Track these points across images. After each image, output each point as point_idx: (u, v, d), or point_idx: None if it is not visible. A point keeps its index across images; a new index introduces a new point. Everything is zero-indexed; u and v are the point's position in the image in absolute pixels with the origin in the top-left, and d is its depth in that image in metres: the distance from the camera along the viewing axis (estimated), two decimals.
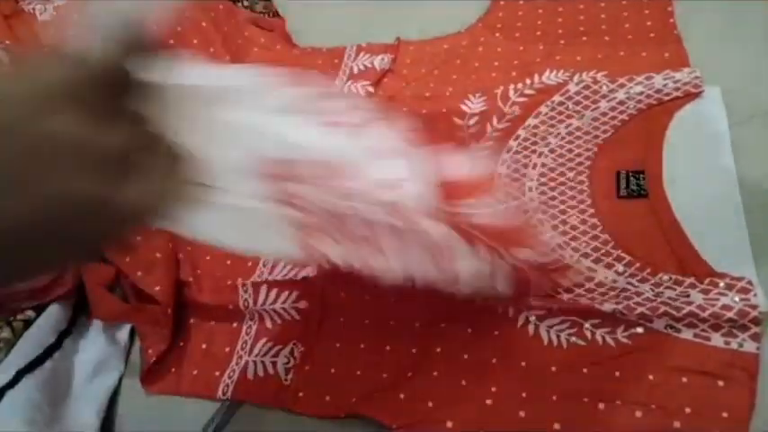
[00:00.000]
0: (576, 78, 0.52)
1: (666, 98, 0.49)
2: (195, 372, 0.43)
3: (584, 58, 0.53)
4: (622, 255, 0.42)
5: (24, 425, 0.41)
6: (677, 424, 0.35)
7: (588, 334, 0.40)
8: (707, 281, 0.39)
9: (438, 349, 0.42)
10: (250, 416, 0.42)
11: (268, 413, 0.41)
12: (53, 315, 0.48)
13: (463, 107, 0.53)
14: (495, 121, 0.52)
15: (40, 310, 0.48)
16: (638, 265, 0.42)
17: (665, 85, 0.50)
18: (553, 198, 0.47)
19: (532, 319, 0.41)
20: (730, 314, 0.37)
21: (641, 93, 0.50)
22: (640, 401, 0.36)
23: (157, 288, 0.43)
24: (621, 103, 0.50)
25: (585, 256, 0.43)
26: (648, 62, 0.51)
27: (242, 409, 0.42)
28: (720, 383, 0.36)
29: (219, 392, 0.41)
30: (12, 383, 0.43)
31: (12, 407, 0.42)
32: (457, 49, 0.57)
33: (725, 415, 0.35)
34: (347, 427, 0.40)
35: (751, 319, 0.37)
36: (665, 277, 0.40)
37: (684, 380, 0.36)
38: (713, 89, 0.49)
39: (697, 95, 0.49)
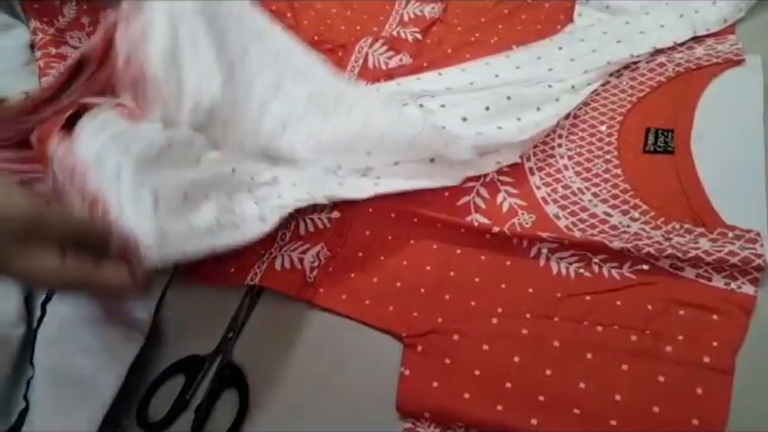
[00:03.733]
0: None
1: (706, 64, 0.50)
2: (233, 269, 0.47)
3: None
4: (639, 203, 0.44)
5: (87, 301, 0.44)
6: (669, 348, 0.37)
7: (596, 268, 0.42)
8: (717, 231, 0.41)
9: (452, 273, 0.45)
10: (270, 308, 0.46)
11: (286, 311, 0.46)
12: None
13: None
14: None
15: None
16: (652, 213, 0.44)
17: (706, 54, 0.51)
18: (581, 146, 0.49)
19: (545, 251, 0.44)
20: (734, 260, 0.38)
21: (681, 58, 0.51)
22: (637, 327, 0.39)
23: None
24: (661, 65, 0.52)
25: (604, 201, 0.45)
26: None
27: (262, 304, 0.47)
28: (715, 317, 0.38)
29: (248, 278, 0.46)
30: None
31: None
32: (506, 2, 0.59)
33: (715, 344, 0.37)
34: (360, 333, 0.44)
35: (754, 267, 0.38)
36: (677, 226, 0.42)
37: (681, 312, 0.39)
38: (755, 58, 0.50)
39: (737, 63, 0.50)
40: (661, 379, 0.37)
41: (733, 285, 0.39)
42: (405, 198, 0.48)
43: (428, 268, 0.45)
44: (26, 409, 0.41)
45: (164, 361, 0.45)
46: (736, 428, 0.34)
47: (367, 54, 0.57)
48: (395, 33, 0.59)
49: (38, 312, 0.45)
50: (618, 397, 0.37)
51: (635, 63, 0.52)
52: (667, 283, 0.40)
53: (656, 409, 0.36)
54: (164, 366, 0.44)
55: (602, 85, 0.52)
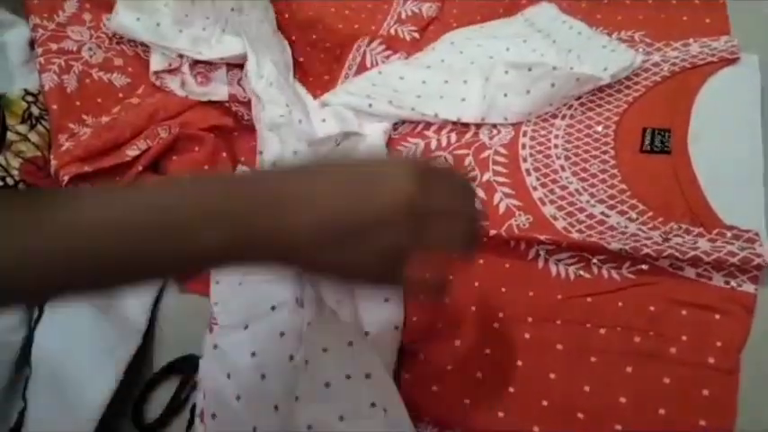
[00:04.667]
0: (614, 36, 0.53)
1: (701, 63, 0.50)
2: None
3: (625, 18, 0.54)
4: (637, 204, 0.44)
5: (85, 302, 0.45)
6: (673, 350, 0.37)
7: (595, 269, 0.42)
8: (715, 231, 0.41)
9: (450, 277, 0.45)
10: None
11: None
12: None
13: None
14: None
15: None
16: (650, 213, 0.43)
17: (700, 52, 0.51)
18: (577, 147, 0.49)
19: (542, 253, 0.43)
20: (734, 260, 0.38)
21: (676, 57, 0.51)
22: (640, 328, 0.38)
23: None
24: (656, 65, 0.52)
25: (601, 201, 0.45)
26: (688, 27, 0.52)
27: None
28: (717, 317, 0.38)
29: None
30: None
31: None
32: (501, 1, 0.59)
33: (719, 344, 0.37)
34: None
35: (753, 266, 0.38)
36: (675, 226, 0.42)
37: (683, 312, 0.39)
38: (751, 57, 0.50)
39: (733, 62, 0.50)
40: (666, 381, 0.37)
41: (733, 283, 0.39)
42: None
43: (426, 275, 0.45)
44: (25, 408, 0.41)
45: (159, 361, 0.45)
46: (742, 428, 0.34)
47: (365, 53, 0.57)
48: (392, 32, 0.59)
49: (35, 312, 0.44)
50: (623, 400, 0.37)
51: None
52: (668, 282, 0.40)
53: (662, 411, 0.36)
54: (159, 367, 0.44)
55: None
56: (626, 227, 0.43)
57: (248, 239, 0.26)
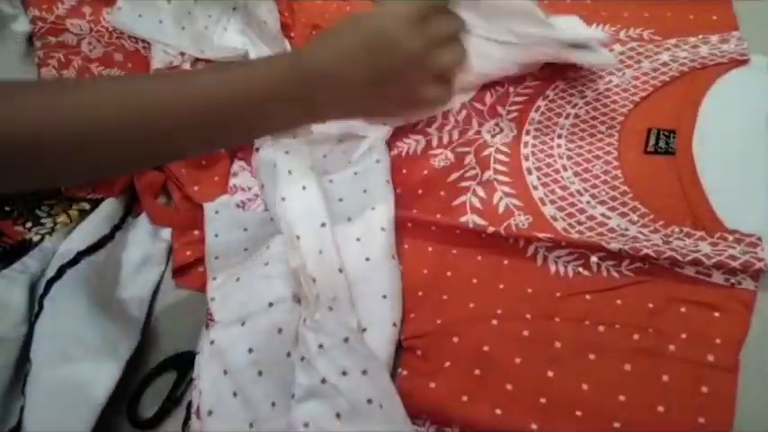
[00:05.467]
0: (621, 35, 0.53)
1: (711, 63, 0.50)
2: None
3: (631, 16, 0.53)
4: (638, 206, 0.44)
5: (84, 297, 0.45)
6: (672, 347, 0.37)
7: (594, 266, 0.41)
8: (717, 235, 0.40)
9: (449, 273, 0.45)
10: None
11: None
12: (107, 210, 0.52)
13: None
14: (535, 70, 0.53)
15: (93, 204, 0.52)
16: (651, 216, 0.43)
17: (710, 53, 0.50)
18: (580, 147, 0.48)
19: (541, 250, 0.43)
20: (734, 264, 0.38)
21: (686, 57, 0.51)
22: (639, 325, 0.38)
23: (196, 188, 0.48)
24: (664, 64, 0.51)
25: (602, 203, 0.45)
26: (695, 24, 0.51)
27: None
28: (717, 314, 0.37)
29: None
30: (72, 263, 0.47)
31: (73, 282, 0.46)
32: None
33: (718, 341, 0.36)
34: None
35: (755, 270, 0.38)
36: (677, 230, 0.42)
37: (683, 309, 0.38)
38: (760, 58, 0.49)
39: (742, 63, 0.49)
40: (665, 378, 0.36)
41: (733, 281, 0.38)
42: (398, 202, 0.47)
43: (425, 271, 0.45)
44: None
45: (155, 357, 0.45)
46: (740, 426, 0.34)
47: None
48: None
49: (35, 307, 0.45)
50: (621, 397, 0.36)
51: (638, 62, 0.52)
52: (667, 280, 0.39)
53: (660, 408, 0.35)
54: (155, 363, 0.44)
55: (605, 84, 0.51)
56: (626, 229, 0.43)
57: (311, 109, 0.37)
